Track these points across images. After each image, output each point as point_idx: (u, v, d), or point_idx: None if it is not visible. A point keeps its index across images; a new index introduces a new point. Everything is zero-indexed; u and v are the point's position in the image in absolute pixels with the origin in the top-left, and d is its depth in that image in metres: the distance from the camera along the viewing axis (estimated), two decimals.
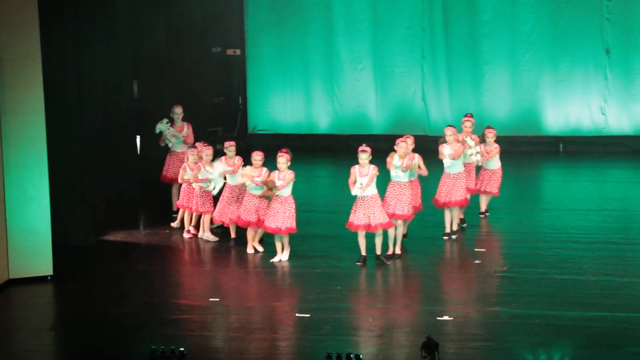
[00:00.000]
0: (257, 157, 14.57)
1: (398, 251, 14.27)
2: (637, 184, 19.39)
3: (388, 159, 14.10)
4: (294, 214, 14.17)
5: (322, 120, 23.70)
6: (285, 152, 14.20)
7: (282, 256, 14.27)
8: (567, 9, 22.51)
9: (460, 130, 15.59)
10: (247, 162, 14.90)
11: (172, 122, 17.16)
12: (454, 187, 14.95)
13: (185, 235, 15.66)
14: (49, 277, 13.48)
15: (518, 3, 22.70)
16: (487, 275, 13.54)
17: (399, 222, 14.15)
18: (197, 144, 15.89)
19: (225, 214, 15.04)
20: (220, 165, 15.04)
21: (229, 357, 10.82)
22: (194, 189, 15.49)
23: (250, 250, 14.66)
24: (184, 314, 12.07)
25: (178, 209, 16.16)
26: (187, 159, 15.72)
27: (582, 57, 22.67)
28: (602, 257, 14.16)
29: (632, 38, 22.36)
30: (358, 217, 13.81)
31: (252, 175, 14.36)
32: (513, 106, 22.92)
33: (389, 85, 23.45)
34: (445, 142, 14.99)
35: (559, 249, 14.70)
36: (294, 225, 14.16)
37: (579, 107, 22.77)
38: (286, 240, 14.27)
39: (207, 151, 15.52)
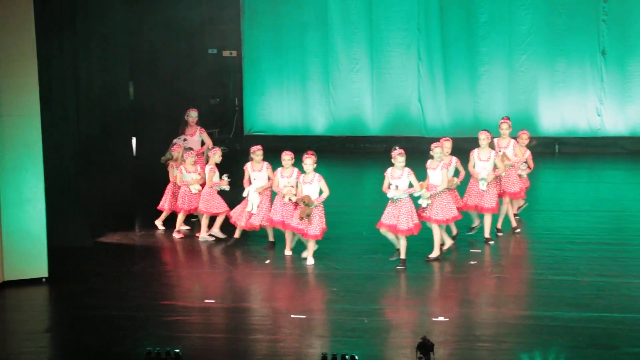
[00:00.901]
0: (287, 157, 14.51)
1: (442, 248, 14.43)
2: (632, 185, 19.42)
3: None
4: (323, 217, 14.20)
5: (319, 122, 23.73)
6: (311, 154, 14.15)
7: (308, 260, 14.22)
8: (564, 11, 22.55)
9: (498, 134, 15.55)
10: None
11: (186, 124, 17.05)
12: (484, 193, 14.89)
13: (176, 236, 15.68)
14: (44, 279, 13.48)
15: (515, 4, 22.73)
16: (482, 276, 13.56)
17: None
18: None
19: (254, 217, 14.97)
20: (257, 182, 14.89)
21: (224, 359, 10.82)
22: (191, 190, 15.53)
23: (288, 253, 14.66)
24: (179, 316, 12.06)
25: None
26: (185, 161, 15.76)
27: (579, 59, 22.72)
28: (597, 258, 14.18)
29: (627, 40, 22.40)
30: (387, 217, 13.78)
31: (292, 192, 14.26)
32: (509, 107, 22.93)
33: (385, 87, 23.47)
34: (477, 146, 14.93)
35: (554, 249, 14.71)
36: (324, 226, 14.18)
37: (575, 108, 22.81)
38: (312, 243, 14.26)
39: (218, 152, 15.52)
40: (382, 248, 14.33)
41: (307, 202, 13.89)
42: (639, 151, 22.44)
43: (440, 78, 23.23)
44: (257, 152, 14.93)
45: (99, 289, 13.23)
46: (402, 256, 13.83)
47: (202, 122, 22.53)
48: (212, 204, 15.41)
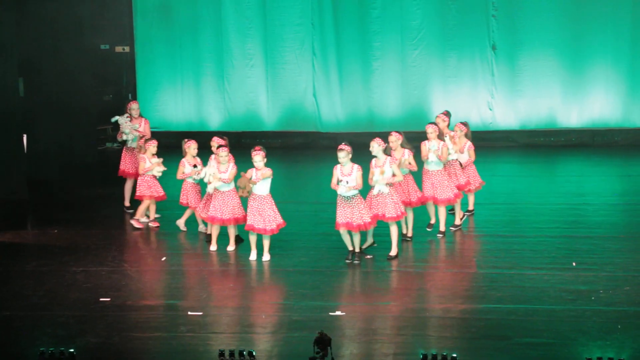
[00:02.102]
0: (223, 153, 14.44)
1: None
2: (524, 178, 19.75)
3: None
4: (276, 212, 14.05)
5: (214, 118, 23.63)
6: (259, 150, 13.93)
7: (265, 257, 14.05)
8: (454, 6, 22.81)
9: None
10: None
11: (130, 118, 16.85)
12: (438, 184, 14.97)
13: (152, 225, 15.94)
14: None
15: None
16: (379, 271, 13.65)
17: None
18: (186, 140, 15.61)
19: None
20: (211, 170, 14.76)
21: (120, 357, 10.71)
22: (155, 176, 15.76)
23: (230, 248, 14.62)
24: (74, 315, 11.90)
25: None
26: (147, 150, 15.81)
27: (470, 54, 23.00)
28: (491, 250, 14.42)
29: (516, 35, 22.76)
30: (342, 216, 13.64)
31: (216, 178, 14.32)
32: (403, 102, 23.14)
33: (280, 82, 23.46)
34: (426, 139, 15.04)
35: (448, 242, 14.90)
36: (278, 223, 14.01)
37: (467, 102, 23.09)
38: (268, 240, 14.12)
39: (193, 145, 15.35)
40: (279, 244, 14.34)
41: (243, 185, 13.78)
42: (530, 144, 22.86)
43: (335, 73, 23.31)
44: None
45: None
46: (357, 249, 13.87)
47: (95, 119, 22.37)
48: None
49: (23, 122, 18.63)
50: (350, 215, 13.64)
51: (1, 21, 17.61)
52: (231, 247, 14.57)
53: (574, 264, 13.56)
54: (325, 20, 23.13)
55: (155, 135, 22.96)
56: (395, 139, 14.42)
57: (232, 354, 9.77)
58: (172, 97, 23.65)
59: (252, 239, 14.11)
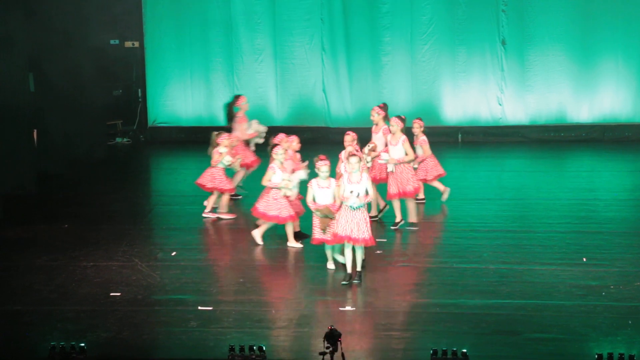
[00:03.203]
0: (280, 150, 14.36)
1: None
2: (533, 173, 19.71)
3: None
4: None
5: (223, 113, 23.62)
6: (325, 159, 13.39)
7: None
8: (464, 1, 22.77)
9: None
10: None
11: (236, 112, 17.02)
12: (402, 179, 15.01)
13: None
14: None
15: None
16: (388, 265, 13.64)
17: None
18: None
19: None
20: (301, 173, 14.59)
21: (131, 351, 10.72)
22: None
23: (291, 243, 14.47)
24: (85, 309, 11.91)
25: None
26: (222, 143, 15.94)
27: (479, 49, 22.96)
28: (501, 246, 14.38)
29: (526, 29, 22.72)
30: (342, 229, 12.96)
31: (290, 186, 14.25)
32: (412, 97, 23.11)
33: (290, 77, 23.45)
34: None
35: (458, 238, 14.88)
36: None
37: (476, 97, 23.07)
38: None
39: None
40: (285, 237, 14.34)
41: (326, 214, 13.29)
42: (539, 139, 22.81)
43: (344, 68, 23.29)
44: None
45: (1, 284, 12.99)
46: (359, 268, 13.08)
47: (105, 114, 22.38)
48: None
49: (33, 117, 18.66)
50: (355, 227, 12.86)
51: (10, 17, 17.63)
52: (292, 244, 14.37)
53: (584, 259, 13.55)
54: (334, 15, 23.11)
55: (165, 130, 23.14)
56: (351, 139, 14.50)
57: (242, 349, 9.78)
58: (181, 92, 23.63)
59: (329, 252, 13.48)
